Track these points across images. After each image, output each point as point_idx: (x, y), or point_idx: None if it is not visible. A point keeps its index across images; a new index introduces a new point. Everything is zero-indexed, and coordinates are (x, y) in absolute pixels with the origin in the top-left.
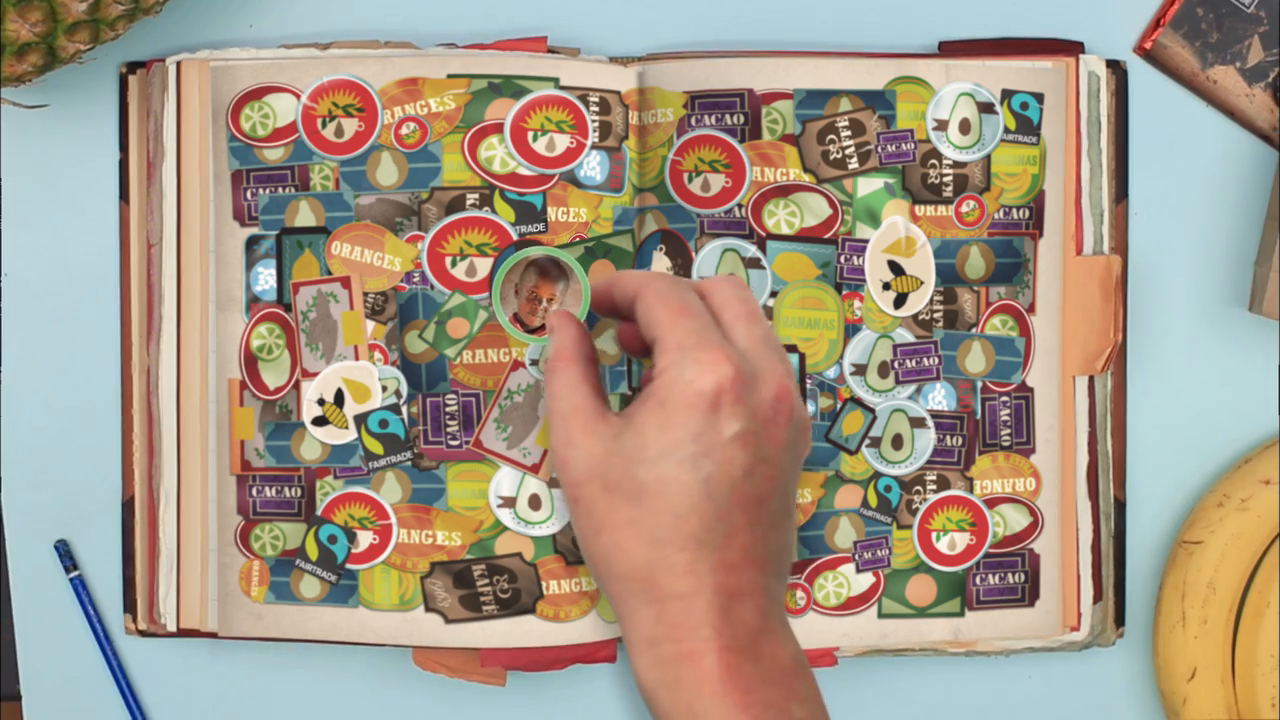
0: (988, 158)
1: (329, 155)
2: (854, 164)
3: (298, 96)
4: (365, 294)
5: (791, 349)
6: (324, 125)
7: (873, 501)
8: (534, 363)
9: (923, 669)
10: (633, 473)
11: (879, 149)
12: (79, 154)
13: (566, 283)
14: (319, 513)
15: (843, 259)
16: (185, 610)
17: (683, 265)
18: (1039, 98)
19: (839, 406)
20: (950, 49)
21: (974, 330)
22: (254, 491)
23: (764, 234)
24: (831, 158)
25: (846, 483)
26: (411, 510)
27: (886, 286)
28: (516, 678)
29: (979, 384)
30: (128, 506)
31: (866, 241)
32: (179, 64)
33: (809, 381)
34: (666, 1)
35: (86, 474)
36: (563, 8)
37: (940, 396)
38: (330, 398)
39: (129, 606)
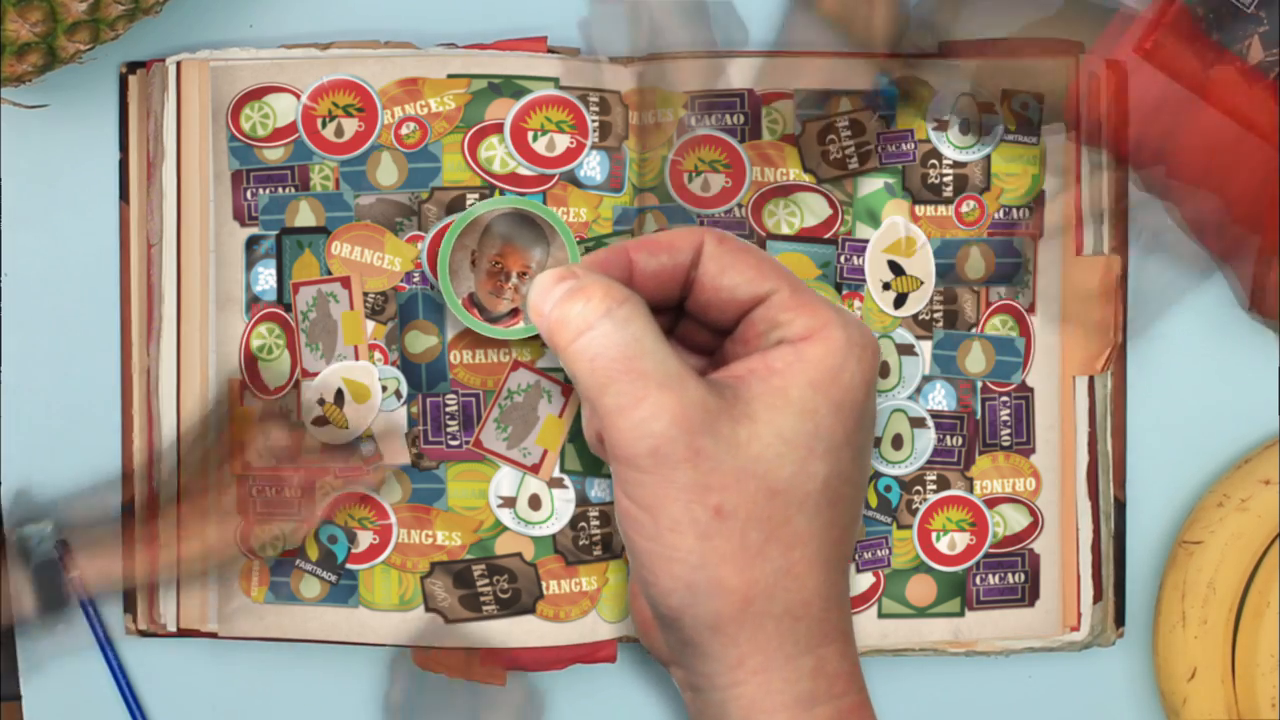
0: (988, 158)
1: (329, 155)
2: (854, 164)
3: (298, 96)
4: (365, 294)
5: None
6: (324, 125)
7: (872, 501)
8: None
9: (923, 669)
10: (808, 469)
11: (879, 149)
12: (79, 154)
13: (546, 248)
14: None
15: (843, 259)
16: (185, 610)
17: None
18: (1039, 98)
19: None
20: (950, 49)
21: (974, 330)
22: (254, 491)
23: (764, 234)
24: (831, 158)
25: None
26: (411, 510)
27: (886, 286)
28: (516, 678)
29: (979, 384)
30: (128, 506)
31: (866, 241)
32: (179, 64)
33: None
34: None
35: (86, 474)
36: (563, 8)
37: (940, 396)
38: (330, 398)
39: (129, 606)
